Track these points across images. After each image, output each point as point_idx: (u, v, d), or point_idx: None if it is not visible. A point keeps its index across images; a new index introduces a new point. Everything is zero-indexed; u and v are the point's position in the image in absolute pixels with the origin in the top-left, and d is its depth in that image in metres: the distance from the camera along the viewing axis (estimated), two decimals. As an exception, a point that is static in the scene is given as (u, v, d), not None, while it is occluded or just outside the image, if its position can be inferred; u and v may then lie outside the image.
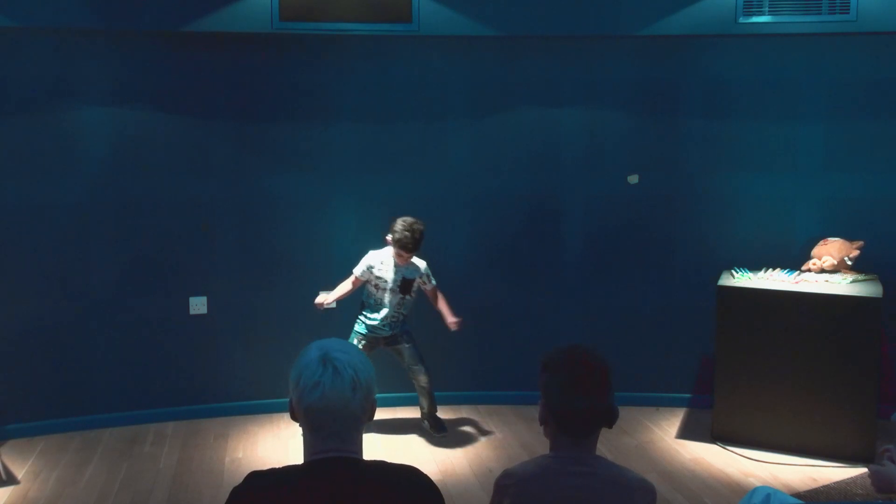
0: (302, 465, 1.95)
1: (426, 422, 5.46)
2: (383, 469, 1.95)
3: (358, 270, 5.22)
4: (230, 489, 1.91)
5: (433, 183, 5.86)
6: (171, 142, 5.56)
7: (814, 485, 4.61)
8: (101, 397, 5.58)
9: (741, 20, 5.35)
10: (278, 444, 5.32)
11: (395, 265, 5.18)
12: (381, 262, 5.19)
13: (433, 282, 5.33)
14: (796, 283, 5.16)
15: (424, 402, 5.43)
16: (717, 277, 5.36)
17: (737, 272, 5.42)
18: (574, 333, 5.82)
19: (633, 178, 5.82)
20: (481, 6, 5.38)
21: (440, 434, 5.38)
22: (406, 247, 5.05)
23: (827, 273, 5.32)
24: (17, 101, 5.29)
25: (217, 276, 5.71)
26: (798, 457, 4.95)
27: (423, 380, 5.35)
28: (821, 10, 5.30)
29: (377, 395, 2.02)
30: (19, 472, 4.85)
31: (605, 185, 5.86)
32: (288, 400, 1.98)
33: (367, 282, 5.24)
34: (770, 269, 5.44)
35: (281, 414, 5.68)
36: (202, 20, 5.19)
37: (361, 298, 5.33)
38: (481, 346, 5.97)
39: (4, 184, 5.31)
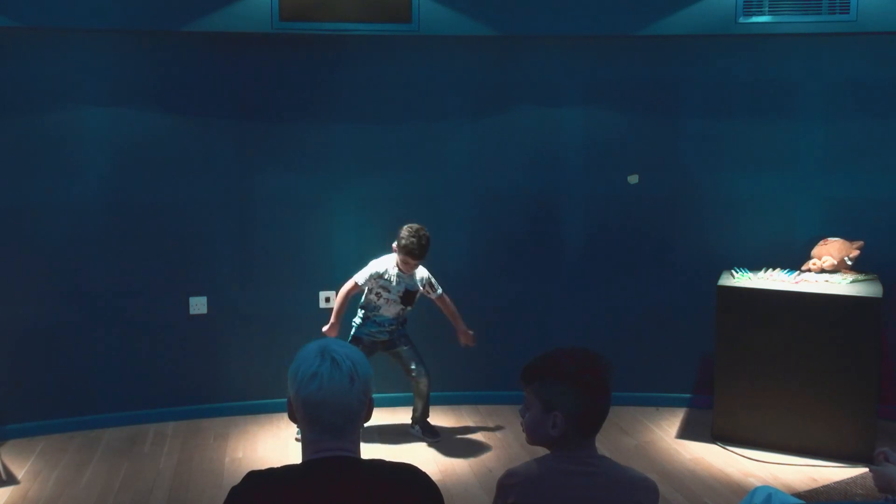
0: (300, 464, 1.94)
1: (417, 426, 5.39)
2: (382, 468, 1.95)
3: (361, 278, 5.12)
4: (230, 489, 1.90)
5: (433, 183, 5.86)
6: (170, 142, 5.56)
7: (814, 485, 4.61)
8: (101, 397, 5.58)
9: (741, 20, 5.35)
10: (278, 444, 5.32)
11: (399, 274, 5.11)
12: (386, 271, 5.11)
13: (438, 291, 5.25)
14: (796, 283, 5.16)
15: (419, 405, 5.35)
16: (717, 277, 5.36)
17: (737, 272, 5.42)
18: (574, 333, 5.82)
19: (633, 178, 5.82)
20: (481, 6, 5.38)
21: (434, 440, 5.34)
22: (413, 253, 4.98)
23: (827, 273, 5.32)
24: (17, 101, 5.29)
25: (217, 276, 5.72)
26: (798, 457, 4.95)
27: (423, 382, 5.28)
28: (821, 10, 5.30)
29: (377, 396, 2.02)
30: (19, 472, 4.85)
31: (605, 185, 5.86)
32: (286, 399, 1.98)
33: (368, 290, 5.17)
34: (770, 269, 5.44)
35: (281, 414, 5.68)
36: (202, 20, 5.19)
37: (360, 304, 5.28)
38: (482, 346, 5.96)
39: (4, 183, 5.31)
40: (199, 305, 5.70)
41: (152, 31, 5.30)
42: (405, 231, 5.00)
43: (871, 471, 3.00)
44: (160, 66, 5.50)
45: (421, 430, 5.38)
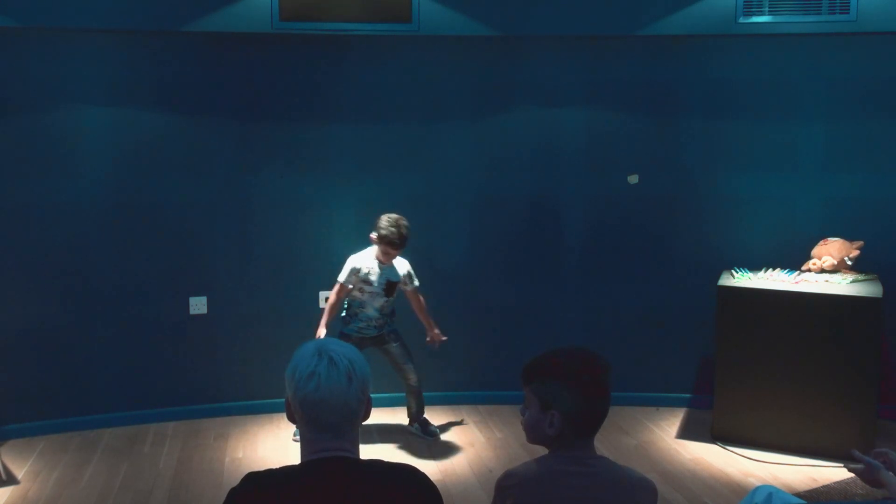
0: (299, 465, 1.94)
1: (416, 425, 5.39)
2: (381, 468, 1.95)
3: (343, 277, 5.10)
4: (229, 490, 1.90)
5: (433, 183, 5.86)
6: (170, 142, 5.56)
7: (814, 485, 4.61)
8: (101, 397, 5.58)
9: (741, 20, 5.35)
10: (278, 444, 5.32)
11: (380, 266, 5.10)
12: (364, 265, 5.09)
13: (415, 283, 5.24)
14: (796, 283, 5.16)
15: (413, 403, 5.35)
16: (717, 277, 5.36)
17: (737, 272, 5.42)
18: (574, 333, 5.83)
19: (633, 178, 5.82)
20: (481, 6, 5.38)
21: (431, 438, 5.34)
22: (392, 243, 4.95)
23: (827, 273, 5.32)
24: (17, 101, 5.29)
25: (217, 276, 5.72)
26: (798, 457, 4.95)
27: (412, 378, 5.26)
28: (821, 10, 5.30)
29: (375, 396, 2.02)
30: (19, 472, 4.85)
31: (605, 185, 5.86)
32: (284, 399, 1.98)
33: (350, 286, 5.14)
34: (770, 269, 5.44)
35: (281, 414, 5.67)
36: (202, 20, 5.19)
37: (346, 303, 5.25)
38: (481, 346, 5.97)
39: (4, 184, 5.31)
40: (199, 305, 5.70)
41: (152, 31, 5.30)
42: (384, 221, 4.97)
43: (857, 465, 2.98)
44: (160, 66, 5.50)
45: (420, 429, 5.37)
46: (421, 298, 5.29)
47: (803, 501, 3.12)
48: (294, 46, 5.55)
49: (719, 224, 5.82)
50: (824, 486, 4.57)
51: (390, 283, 5.13)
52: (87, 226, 5.48)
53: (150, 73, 5.50)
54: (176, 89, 5.53)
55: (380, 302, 5.14)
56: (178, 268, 5.65)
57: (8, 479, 4.72)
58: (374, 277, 5.09)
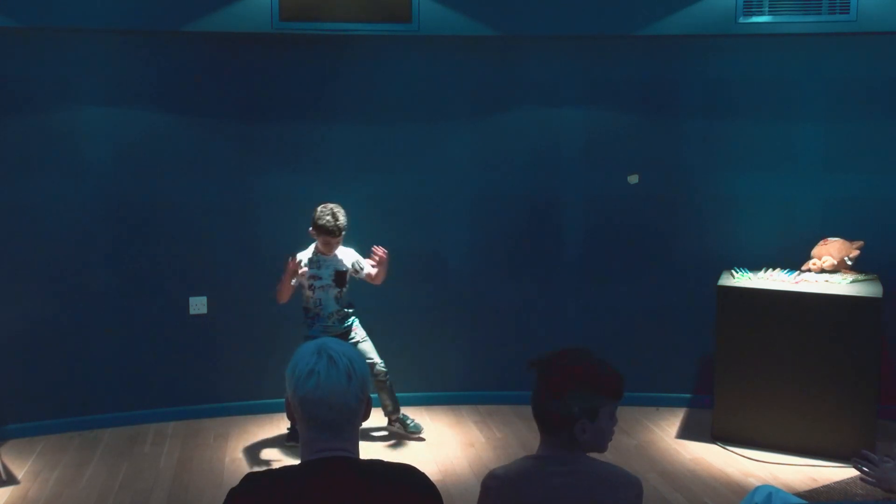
0: (299, 465, 1.94)
1: (396, 423, 5.32)
2: (381, 468, 1.95)
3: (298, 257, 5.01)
4: (229, 491, 1.90)
5: (433, 183, 5.86)
6: (171, 142, 5.56)
7: (814, 485, 4.61)
8: (101, 397, 5.58)
9: (741, 20, 5.35)
10: (278, 444, 5.32)
11: (324, 259, 5.06)
12: (309, 260, 5.06)
13: (365, 270, 5.15)
14: (796, 283, 5.16)
15: (386, 399, 5.22)
16: (717, 277, 5.36)
17: (737, 272, 5.42)
18: (574, 333, 5.83)
19: (633, 178, 5.82)
20: (481, 6, 5.39)
21: (416, 432, 5.29)
22: (330, 231, 4.89)
23: (827, 273, 5.32)
24: (17, 101, 5.29)
25: (217, 276, 5.72)
26: (798, 457, 4.95)
27: (380, 374, 5.11)
28: (821, 10, 5.30)
29: (376, 397, 2.02)
30: (19, 472, 4.85)
31: (605, 185, 5.86)
32: (284, 399, 1.98)
33: (301, 287, 5.08)
34: (770, 269, 5.44)
35: (281, 413, 5.68)
36: (202, 20, 5.19)
37: (302, 306, 5.18)
38: (481, 346, 5.97)
39: (4, 183, 5.31)
40: (199, 305, 5.70)
41: (152, 31, 5.30)
42: (318, 211, 4.93)
43: (867, 474, 2.98)
44: (160, 66, 5.50)
45: (401, 426, 5.32)
46: (374, 271, 5.13)
47: (803, 501, 3.12)
48: (294, 46, 5.55)
49: (719, 224, 5.82)
50: (824, 486, 4.57)
51: (339, 272, 5.08)
52: (87, 225, 5.48)
53: (151, 72, 5.50)
54: (176, 89, 5.53)
55: (334, 293, 5.09)
56: (178, 268, 5.66)
57: (8, 479, 4.72)
58: (320, 270, 5.05)
